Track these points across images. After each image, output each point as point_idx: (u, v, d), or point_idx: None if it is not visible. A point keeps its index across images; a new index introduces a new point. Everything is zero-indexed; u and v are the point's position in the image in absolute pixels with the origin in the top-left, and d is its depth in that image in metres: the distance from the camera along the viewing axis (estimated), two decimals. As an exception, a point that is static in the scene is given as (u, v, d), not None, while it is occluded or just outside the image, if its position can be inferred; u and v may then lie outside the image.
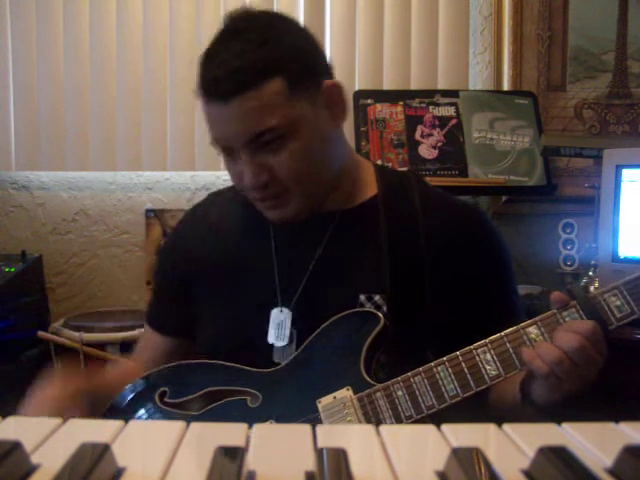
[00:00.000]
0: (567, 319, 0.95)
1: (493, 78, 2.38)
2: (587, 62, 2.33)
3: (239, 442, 0.50)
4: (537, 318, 0.97)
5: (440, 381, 0.96)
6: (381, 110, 2.17)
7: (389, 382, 0.98)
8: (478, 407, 1.05)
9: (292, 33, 1.05)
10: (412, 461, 0.50)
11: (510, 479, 0.45)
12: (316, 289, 1.10)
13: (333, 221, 1.12)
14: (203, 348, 1.20)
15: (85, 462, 0.42)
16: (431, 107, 2.18)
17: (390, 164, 2.08)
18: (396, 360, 1.04)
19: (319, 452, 0.45)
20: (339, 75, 1.11)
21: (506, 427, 0.54)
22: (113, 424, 0.55)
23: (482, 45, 2.41)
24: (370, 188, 1.15)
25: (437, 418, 0.96)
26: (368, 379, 1.00)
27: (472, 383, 0.96)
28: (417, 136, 2.15)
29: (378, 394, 0.98)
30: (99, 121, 2.33)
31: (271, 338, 1.09)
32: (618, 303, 0.94)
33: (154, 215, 2.39)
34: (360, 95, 2.20)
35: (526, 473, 0.45)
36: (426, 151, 2.13)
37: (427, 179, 1.25)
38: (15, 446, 0.44)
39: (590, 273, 1.90)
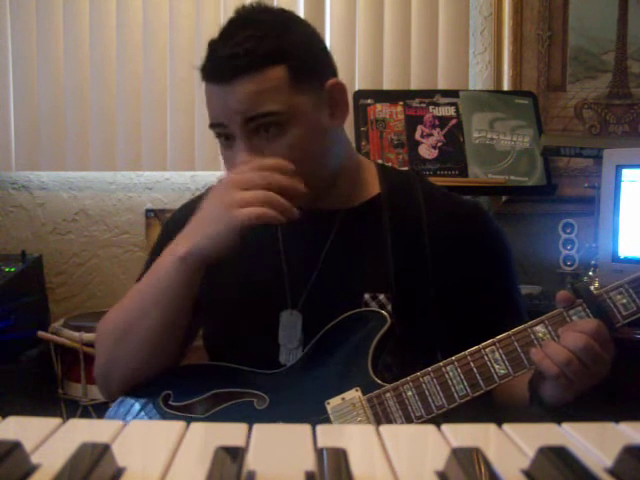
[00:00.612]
0: (574, 317, 0.96)
1: (493, 78, 2.38)
2: (587, 62, 2.33)
3: (239, 442, 0.50)
4: (544, 317, 0.97)
5: (449, 381, 0.96)
6: (381, 110, 2.17)
7: (398, 382, 0.98)
8: (486, 407, 1.05)
9: (302, 30, 1.06)
10: (412, 461, 0.50)
11: (510, 479, 0.45)
12: (323, 289, 1.10)
13: (337, 220, 1.12)
14: (208, 342, 1.19)
15: (85, 462, 0.42)
16: (431, 107, 2.18)
17: (390, 164, 2.08)
18: (402, 360, 1.04)
19: (319, 452, 0.45)
20: (339, 75, 1.11)
21: (506, 427, 0.54)
22: (113, 424, 0.55)
23: (482, 45, 2.41)
24: (373, 187, 1.15)
25: (447, 418, 0.97)
26: (376, 379, 1.00)
27: (481, 382, 0.96)
28: (417, 136, 2.15)
29: (388, 394, 0.98)
30: (99, 121, 2.33)
31: (281, 340, 1.09)
32: (624, 301, 0.95)
33: (154, 215, 2.39)
34: (360, 95, 2.20)
35: (526, 473, 0.45)
36: (426, 151, 2.13)
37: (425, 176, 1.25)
38: (15, 446, 0.44)
39: (590, 273, 1.90)
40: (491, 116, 2.19)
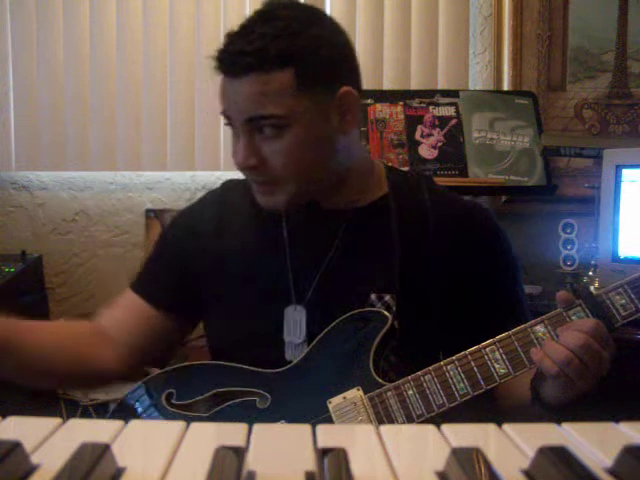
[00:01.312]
0: (573, 318, 0.96)
1: (493, 78, 2.38)
2: (587, 62, 2.33)
3: (239, 442, 0.50)
4: (544, 317, 0.97)
5: (450, 380, 0.97)
6: (381, 110, 2.17)
7: (399, 381, 0.99)
8: (486, 407, 1.05)
9: (321, 33, 1.04)
10: (412, 461, 0.50)
11: (510, 479, 0.45)
12: (328, 287, 1.10)
13: (344, 219, 1.12)
14: (212, 341, 1.19)
15: (85, 462, 0.42)
16: (431, 107, 2.18)
17: (390, 164, 2.07)
18: (407, 360, 1.04)
19: (319, 452, 0.45)
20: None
21: (506, 427, 0.54)
22: (113, 424, 0.55)
23: (482, 45, 2.41)
24: (380, 187, 1.15)
25: (448, 417, 0.97)
26: (378, 379, 1.00)
27: (482, 382, 0.96)
28: (417, 136, 2.15)
29: (389, 393, 0.98)
30: (99, 121, 2.33)
31: (286, 336, 1.09)
32: (623, 301, 0.95)
33: (154, 215, 2.39)
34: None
35: (526, 473, 0.45)
36: (426, 151, 2.13)
37: (433, 179, 1.26)
38: (15, 446, 0.44)
39: (590, 273, 1.90)
40: (491, 116, 2.18)
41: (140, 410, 1.08)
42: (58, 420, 0.55)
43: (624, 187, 1.72)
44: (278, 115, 1.00)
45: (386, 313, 1.04)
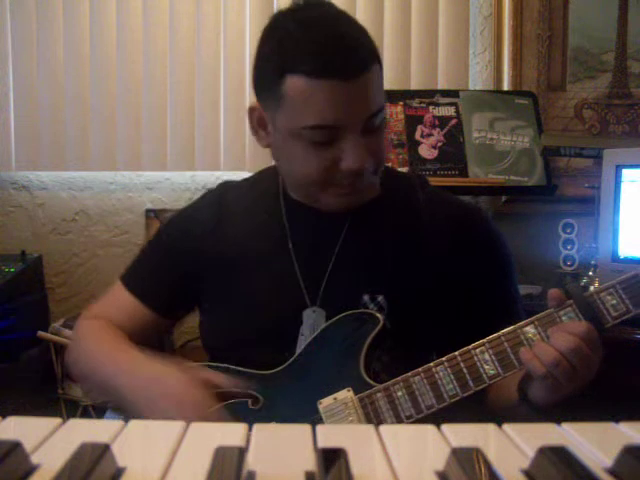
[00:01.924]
0: (564, 318, 0.96)
1: (493, 78, 2.38)
2: (587, 62, 2.33)
3: (239, 442, 0.50)
4: (534, 317, 0.97)
5: (439, 381, 0.97)
6: (381, 110, 2.16)
7: (389, 382, 0.99)
8: (477, 407, 1.06)
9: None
10: (412, 461, 0.50)
11: (510, 479, 0.45)
12: (338, 288, 1.10)
13: (345, 220, 1.12)
14: (213, 341, 1.19)
15: (85, 462, 0.43)
16: (431, 107, 2.18)
17: (390, 164, 2.08)
18: (399, 362, 1.04)
19: (319, 452, 0.45)
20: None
21: (506, 427, 0.54)
22: (113, 424, 0.55)
23: (482, 45, 2.41)
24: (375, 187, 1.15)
25: (437, 418, 0.97)
26: (368, 380, 1.01)
27: (471, 383, 0.96)
28: (417, 136, 2.15)
29: (379, 394, 0.99)
30: (99, 121, 2.33)
31: (303, 337, 1.08)
32: (614, 302, 0.95)
33: (154, 215, 2.38)
34: (360, 95, 2.20)
35: (526, 473, 0.45)
36: (426, 151, 2.13)
37: (427, 179, 1.26)
38: (15, 446, 0.44)
39: (590, 273, 1.90)
40: (491, 116, 2.19)
41: None
42: (58, 420, 0.55)
43: (624, 187, 1.72)
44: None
45: (378, 314, 1.04)
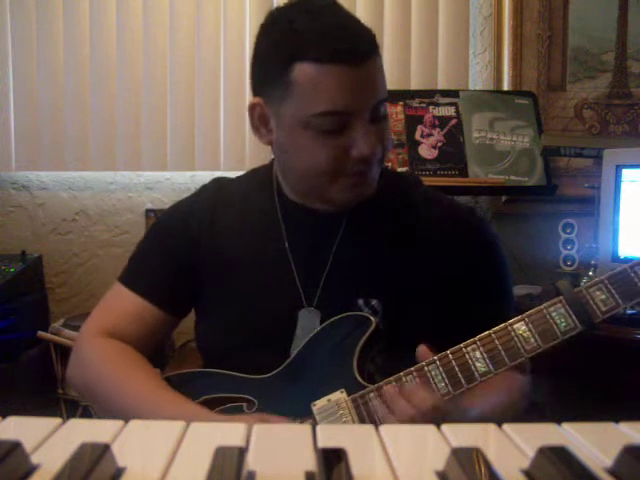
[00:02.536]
0: (554, 314, 0.96)
1: (493, 78, 2.38)
2: (587, 62, 2.33)
3: (239, 442, 0.50)
4: (524, 315, 0.98)
5: (431, 379, 0.97)
6: (381, 110, 2.16)
7: (382, 383, 0.99)
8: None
9: None
10: (412, 461, 0.50)
11: (510, 479, 0.45)
12: (334, 290, 1.10)
13: (342, 221, 1.12)
14: (209, 343, 1.18)
15: (85, 462, 0.42)
16: (431, 107, 2.18)
17: (390, 164, 2.08)
18: (393, 364, 1.04)
19: (319, 452, 0.45)
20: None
21: (506, 427, 0.54)
22: (113, 424, 0.55)
23: (482, 45, 2.41)
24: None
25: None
26: (361, 381, 1.01)
27: (463, 380, 0.96)
28: (417, 136, 2.15)
29: (371, 394, 0.99)
30: (99, 121, 2.33)
31: (298, 338, 1.09)
32: (603, 297, 0.95)
33: (154, 215, 2.39)
34: (360, 95, 2.20)
35: (526, 473, 0.45)
36: (426, 151, 2.13)
37: (427, 179, 1.26)
38: (15, 446, 0.44)
39: (590, 273, 1.90)
40: (491, 116, 2.18)
41: None
42: (58, 420, 0.54)
43: (624, 187, 1.72)
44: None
45: (370, 317, 1.04)
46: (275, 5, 2.30)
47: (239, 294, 1.13)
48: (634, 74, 2.32)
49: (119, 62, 2.33)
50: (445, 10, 2.34)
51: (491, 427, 0.55)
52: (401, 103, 2.18)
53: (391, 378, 0.99)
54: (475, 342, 0.97)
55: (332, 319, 1.06)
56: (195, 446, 0.51)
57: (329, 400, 1.00)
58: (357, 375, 1.01)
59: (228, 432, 0.54)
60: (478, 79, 2.41)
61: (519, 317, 0.98)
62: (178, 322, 1.22)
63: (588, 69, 2.33)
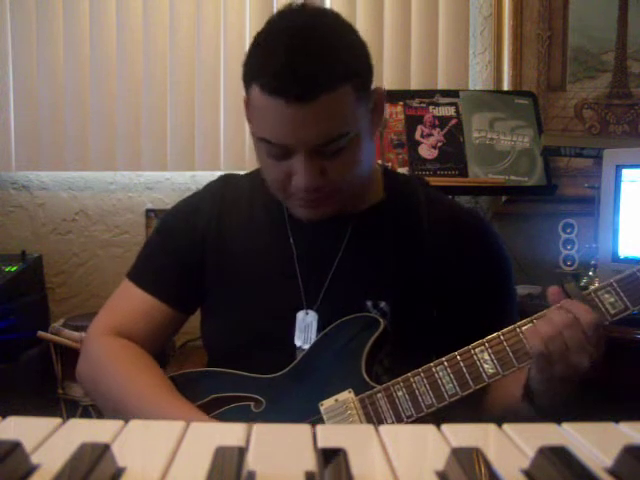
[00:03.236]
0: None
1: (493, 78, 2.38)
2: (587, 62, 2.33)
3: (239, 442, 0.50)
4: (533, 317, 0.98)
5: (439, 380, 0.97)
6: (381, 110, 2.16)
7: (389, 383, 0.99)
8: (477, 407, 1.06)
9: (357, 38, 1.03)
10: (412, 461, 0.50)
11: (510, 479, 0.45)
12: (337, 293, 1.10)
13: (349, 224, 1.12)
14: (214, 342, 1.18)
15: (85, 462, 0.42)
16: (431, 107, 2.18)
17: (390, 164, 2.08)
18: (401, 365, 1.04)
19: (319, 452, 0.45)
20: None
21: (506, 427, 0.54)
22: (113, 424, 0.55)
23: (482, 45, 2.41)
24: (377, 192, 1.15)
25: (437, 417, 0.97)
26: (369, 381, 1.01)
27: (470, 382, 0.97)
28: (417, 136, 2.15)
29: (379, 395, 0.99)
30: (99, 121, 2.33)
31: (298, 341, 1.09)
32: (612, 300, 0.95)
33: (154, 215, 2.39)
34: (360, 95, 2.19)
35: (526, 473, 0.45)
36: (426, 151, 2.13)
37: (427, 179, 1.26)
38: (15, 446, 0.44)
39: (590, 273, 1.90)
40: (491, 116, 2.18)
41: None
42: (58, 420, 0.54)
43: (624, 187, 1.72)
44: (347, 132, 0.96)
45: (379, 318, 1.05)
46: (275, 6, 2.30)
47: (242, 292, 1.13)
48: (634, 74, 2.32)
49: (119, 62, 2.33)
50: (445, 10, 2.34)
51: (491, 427, 0.55)
52: (401, 103, 2.18)
53: (399, 379, 0.99)
54: (483, 344, 0.98)
55: (341, 320, 1.06)
56: (195, 446, 0.51)
57: (337, 400, 1.00)
58: (365, 375, 1.01)
59: (228, 432, 0.54)
60: (478, 79, 2.41)
61: (527, 319, 0.98)
62: (186, 319, 1.22)
63: (588, 69, 2.33)
